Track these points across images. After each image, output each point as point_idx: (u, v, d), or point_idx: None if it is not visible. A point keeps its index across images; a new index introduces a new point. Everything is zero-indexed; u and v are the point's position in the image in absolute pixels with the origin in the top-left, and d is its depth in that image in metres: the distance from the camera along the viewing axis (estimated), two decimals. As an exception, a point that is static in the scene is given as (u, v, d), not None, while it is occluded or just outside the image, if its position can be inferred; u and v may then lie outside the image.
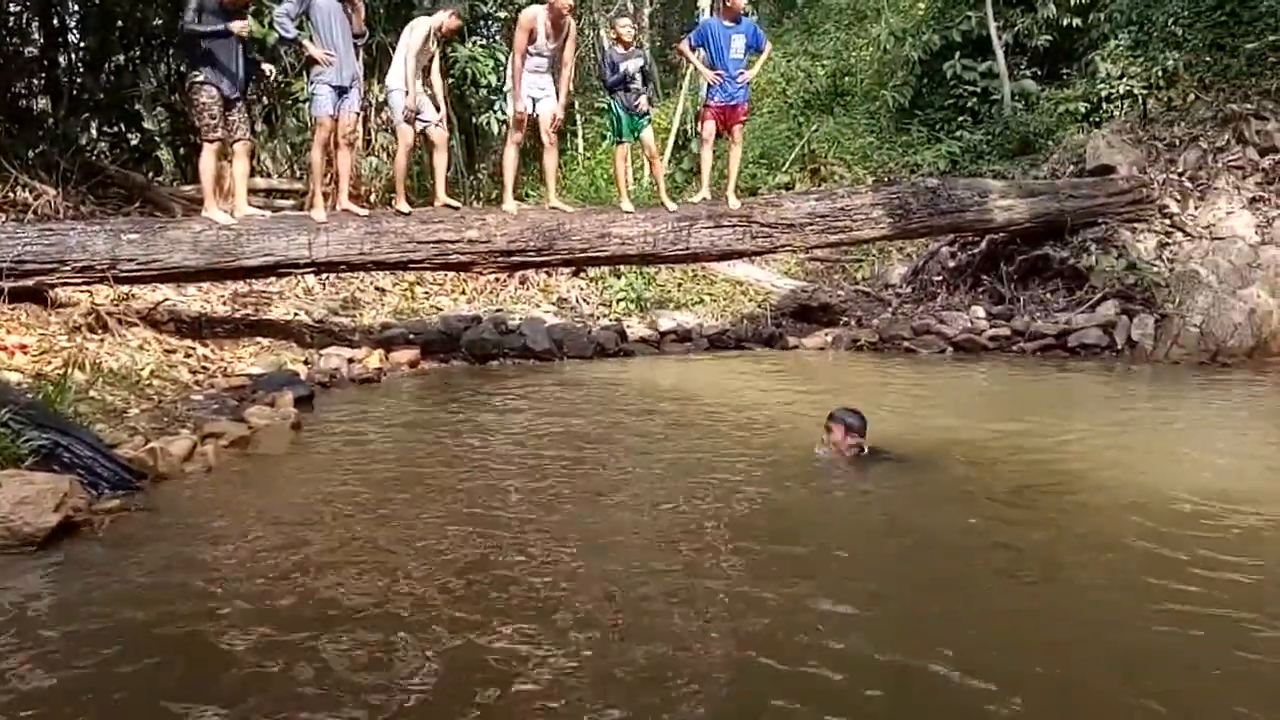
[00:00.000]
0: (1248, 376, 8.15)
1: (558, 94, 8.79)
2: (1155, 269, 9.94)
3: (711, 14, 9.04)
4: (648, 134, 9.41)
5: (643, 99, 9.09)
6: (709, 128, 9.40)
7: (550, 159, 9.25)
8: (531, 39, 8.43)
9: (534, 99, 8.69)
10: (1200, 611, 3.23)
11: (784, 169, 15.18)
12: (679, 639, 3.04)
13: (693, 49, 9.25)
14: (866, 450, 5.11)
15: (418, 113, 8.40)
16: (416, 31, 8.21)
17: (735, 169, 9.74)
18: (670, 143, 16.34)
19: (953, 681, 2.78)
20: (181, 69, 10.35)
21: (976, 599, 3.45)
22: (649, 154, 9.98)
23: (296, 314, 9.69)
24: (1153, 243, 10.41)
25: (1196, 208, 10.65)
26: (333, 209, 8.49)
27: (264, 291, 9.90)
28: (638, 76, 9.02)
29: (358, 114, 8.57)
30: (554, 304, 11.66)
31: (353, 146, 8.88)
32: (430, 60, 8.45)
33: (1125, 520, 4.20)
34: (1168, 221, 10.60)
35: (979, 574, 3.72)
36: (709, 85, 9.26)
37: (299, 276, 9.60)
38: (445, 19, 8.37)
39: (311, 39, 7.87)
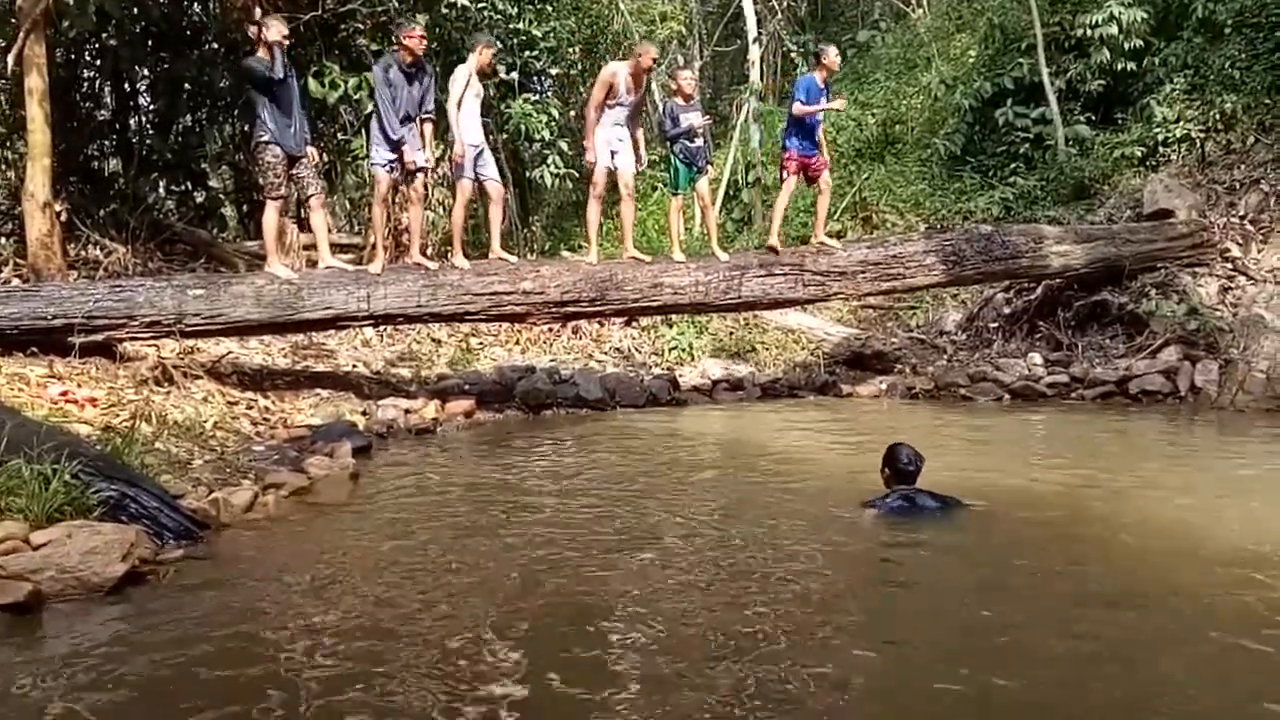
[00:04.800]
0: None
1: (635, 146, 8.90)
2: (1218, 314, 9.74)
3: (810, 71, 9.33)
4: (703, 184, 9.50)
5: (702, 159, 9.25)
6: (792, 181, 9.41)
7: (628, 210, 9.31)
8: (611, 94, 8.58)
9: (613, 151, 8.81)
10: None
11: (835, 217, 15.18)
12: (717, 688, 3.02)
13: (814, 101, 9.10)
14: (916, 495, 5.01)
15: (478, 156, 8.50)
16: (458, 81, 8.34)
17: (824, 212, 9.88)
18: (721, 192, 16.45)
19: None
20: (246, 129, 10.68)
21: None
22: (703, 204, 10.07)
23: (355, 365, 9.86)
24: (1214, 287, 10.22)
25: (1259, 251, 10.45)
26: (400, 262, 8.60)
27: (323, 344, 10.09)
28: (699, 130, 9.11)
29: (425, 171, 8.65)
30: (606, 353, 11.73)
31: (422, 203, 9.00)
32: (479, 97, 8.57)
33: (1182, 572, 4.09)
34: (1230, 265, 10.40)
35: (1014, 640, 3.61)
36: (792, 135, 9.27)
37: (358, 329, 9.77)
38: (479, 56, 8.39)
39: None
